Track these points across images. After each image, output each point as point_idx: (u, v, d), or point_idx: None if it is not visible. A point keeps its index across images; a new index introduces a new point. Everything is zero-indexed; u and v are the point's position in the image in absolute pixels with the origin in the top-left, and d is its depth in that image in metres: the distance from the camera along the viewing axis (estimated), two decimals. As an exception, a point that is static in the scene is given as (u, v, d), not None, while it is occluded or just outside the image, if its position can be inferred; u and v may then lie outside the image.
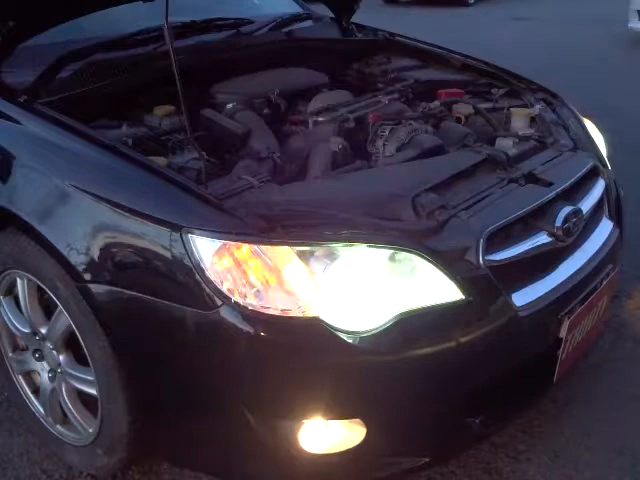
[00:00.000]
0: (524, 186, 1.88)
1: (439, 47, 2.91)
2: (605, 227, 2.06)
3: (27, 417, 2.10)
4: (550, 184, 1.89)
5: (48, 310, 1.90)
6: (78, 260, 1.64)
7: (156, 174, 1.65)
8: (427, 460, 1.71)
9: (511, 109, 2.35)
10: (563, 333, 1.79)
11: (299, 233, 1.53)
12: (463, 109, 2.36)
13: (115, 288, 1.60)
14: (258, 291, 1.49)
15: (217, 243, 1.50)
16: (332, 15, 3.06)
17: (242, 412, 1.56)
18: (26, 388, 2.08)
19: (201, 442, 1.67)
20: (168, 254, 1.53)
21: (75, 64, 2.06)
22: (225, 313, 1.49)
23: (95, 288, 1.63)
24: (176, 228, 1.52)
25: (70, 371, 1.88)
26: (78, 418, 1.92)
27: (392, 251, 1.56)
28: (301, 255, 1.50)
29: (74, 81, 2.00)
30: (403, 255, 1.56)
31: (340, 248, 1.53)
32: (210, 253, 1.50)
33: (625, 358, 2.41)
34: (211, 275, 1.49)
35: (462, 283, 1.59)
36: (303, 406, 1.55)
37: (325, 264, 1.51)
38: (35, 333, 1.94)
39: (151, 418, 1.72)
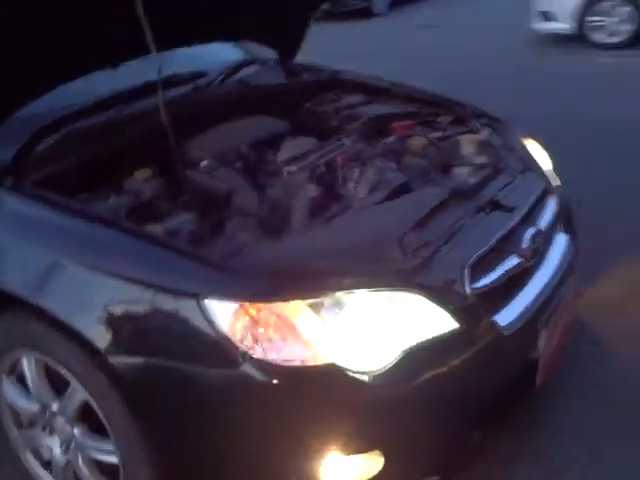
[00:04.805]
0: (489, 214, 2.05)
1: (379, 79, 3.08)
2: (562, 240, 2.26)
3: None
4: (512, 209, 2.07)
5: (56, 385, 1.95)
6: (95, 335, 1.70)
7: (161, 245, 1.75)
8: (437, 478, 1.85)
9: (461, 136, 2.53)
10: (541, 344, 1.97)
11: (306, 286, 1.65)
12: (418, 141, 2.51)
13: (135, 358, 1.69)
14: (277, 345, 1.60)
15: (233, 305, 1.60)
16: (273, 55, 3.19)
17: (269, 459, 1.67)
18: (35, 464, 2.11)
19: None
20: (187, 320, 1.63)
21: (52, 137, 2.11)
22: (249, 370, 1.59)
23: (114, 360, 1.70)
24: (193, 296, 1.62)
25: (87, 442, 1.92)
26: (97, 486, 1.97)
27: (391, 292, 1.70)
28: (312, 307, 1.62)
29: (55, 155, 2.06)
30: (401, 294, 1.71)
31: (345, 296, 1.66)
32: (228, 315, 1.60)
33: (582, 357, 2.58)
34: (231, 335, 1.59)
35: (455, 313, 1.74)
36: (326, 445, 1.66)
37: (334, 313, 1.64)
38: (44, 409, 1.98)
39: (178, 477, 1.80)
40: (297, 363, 1.60)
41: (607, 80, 6.45)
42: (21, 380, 2.03)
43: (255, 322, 1.61)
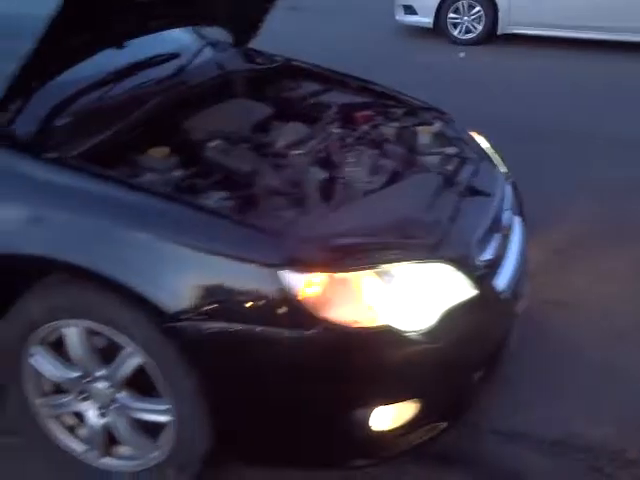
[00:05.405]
0: (473, 197, 2.40)
1: (329, 70, 3.31)
2: (517, 221, 2.67)
3: (56, 459, 2.19)
4: (490, 194, 2.43)
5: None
6: (165, 302, 1.83)
7: (225, 217, 1.91)
8: (445, 424, 2.18)
9: (419, 127, 2.84)
10: (520, 307, 2.38)
11: (366, 258, 1.90)
12: (388, 131, 2.79)
13: (208, 323, 1.83)
14: (344, 310, 1.84)
15: (307, 275, 1.81)
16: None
17: (328, 409, 1.91)
18: (57, 430, 2.17)
19: (290, 442, 1.99)
20: (264, 288, 1.81)
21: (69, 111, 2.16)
22: (320, 331, 1.81)
23: (185, 325, 1.83)
24: (270, 266, 1.80)
25: (134, 404, 2.04)
26: (140, 445, 2.09)
27: (428, 263, 1.99)
28: (374, 275, 1.88)
29: (89, 129, 2.11)
30: (435, 265, 2.01)
31: (394, 267, 1.93)
32: (302, 284, 1.81)
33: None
34: (306, 301, 1.81)
35: (473, 280, 2.07)
36: (378, 395, 1.94)
37: (388, 281, 1.90)
38: (83, 376, 2.06)
39: (239, 432, 1.98)
40: (361, 325, 1.85)
41: (458, 74, 7.13)
42: (55, 348, 2.08)
43: (325, 289, 1.83)
